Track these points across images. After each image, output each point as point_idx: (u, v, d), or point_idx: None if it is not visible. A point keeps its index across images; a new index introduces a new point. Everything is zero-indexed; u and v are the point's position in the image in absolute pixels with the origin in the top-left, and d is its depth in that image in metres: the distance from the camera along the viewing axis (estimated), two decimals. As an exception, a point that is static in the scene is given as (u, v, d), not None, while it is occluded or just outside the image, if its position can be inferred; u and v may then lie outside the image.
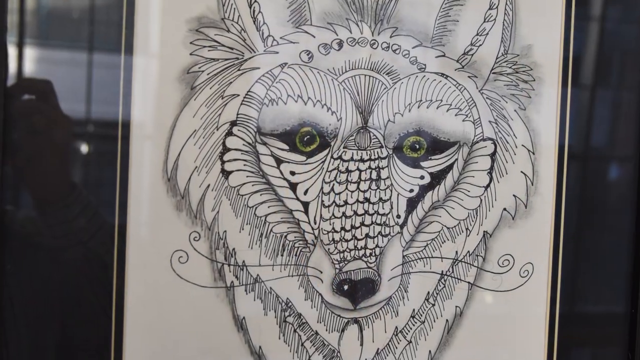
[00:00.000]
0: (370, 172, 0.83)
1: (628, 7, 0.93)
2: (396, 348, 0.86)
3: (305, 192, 0.82)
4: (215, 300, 0.81)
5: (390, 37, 0.83)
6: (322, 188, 0.82)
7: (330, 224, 0.83)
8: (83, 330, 0.79)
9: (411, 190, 0.85)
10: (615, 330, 0.93)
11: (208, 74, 0.78)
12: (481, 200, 0.87)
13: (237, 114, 0.80)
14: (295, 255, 0.82)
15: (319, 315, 0.84)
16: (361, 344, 0.85)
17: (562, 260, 0.90)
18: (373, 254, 0.84)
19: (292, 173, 0.82)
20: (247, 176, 0.81)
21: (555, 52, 0.88)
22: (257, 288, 0.82)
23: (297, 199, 0.82)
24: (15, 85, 0.76)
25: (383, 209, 0.84)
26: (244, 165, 0.80)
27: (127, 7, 0.76)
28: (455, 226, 0.87)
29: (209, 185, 0.80)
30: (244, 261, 0.81)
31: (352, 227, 0.83)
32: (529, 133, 0.88)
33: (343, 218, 0.83)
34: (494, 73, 0.86)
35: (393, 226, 0.84)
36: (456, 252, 0.87)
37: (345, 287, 0.83)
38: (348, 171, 0.83)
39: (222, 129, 0.79)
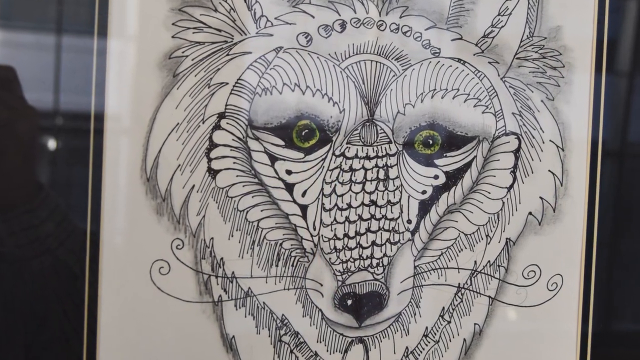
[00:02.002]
0: (377, 171, 0.83)
1: (670, -16, 0.94)
2: (407, 371, 0.87)
3: (303, 194, 0.82)
4: (201, 316, 0.81)
5: (400, 17, 0.82)
6: (322, 189, 0.82)
7: (331, 230, 0.82)
8: (51, 351, 0.79)
9: (424, 192, 0.85)
10: (656, 351, 0.95)
11: (193, 60, 0.78)
12: (503, 203, 0.87)
13: (226, 105, 0.79)
14: (292, 265, 0.82)
15: (319, 334, 0.84)
16: (367, 367, 0.86)
17: (596, 271, 0.90)
18: (380, 264, 0.83)
19: (289, 172, 0.81)
20: (237, 176, 0.80)
21: (588, 34, 0.88)
22: (248, 303, 0.82)
23: (294, 201, 0.82)
24: (-28, 72, 0.77)
25: (392, 213, 0.83)
26: (234, 163, 0.80)
27: (100, -17, 0.78)
28: (473, 233, 0.87)
29: (193, 186, 0.79)
30: (233, 272, 0.81)
31: (357, 233, 0.83)
32: (558, 127, 0.88)
33: (346, 223, 0.82)
34: (517, 58, 0.86)
35: (403, 232, 0.84)
36: (475, 262, 0.87)
37: (349, 301, 0.83)
38: (352, 170, 0.82)
39: (208, 122, 0.79)
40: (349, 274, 0.82)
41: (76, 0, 0.78)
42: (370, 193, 0.82)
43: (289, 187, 0.81)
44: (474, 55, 0.84)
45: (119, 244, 0.78)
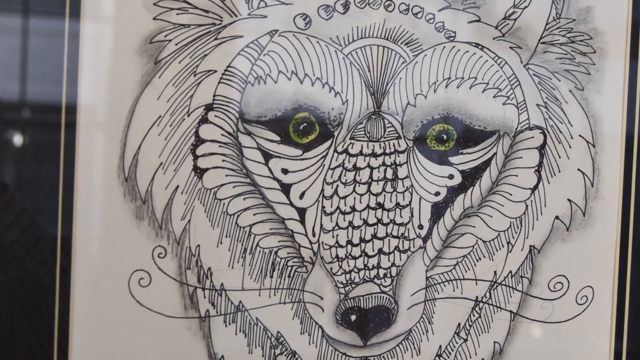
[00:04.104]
0: (385, 170, 0.82)
1: None
2: (418, 395, 0.86)
3: (301, 196, 0.81)
4: (186, 333, 0.80)
5: (411, -4, 0.82)
6: (322, 190, 0.81)
7: (333, 237, 0.82)
8: (16, 373, 0.78)
9: (437, 194, 0.84)
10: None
11: (177, 44, 0.78)
12: (527, 206, 0.87)
13: (214, 96, 0.79)
14: (289, 276, 0.82)
15: (319, 353, 0.83)
16: (373, 390, 0.84)
17: (630, 283, 0.90)
18: (388, 275, 0.83)
19: (285, 171, 0.81)
20: (226, 175, 0.79)
21: (622, 16, 0.88)
22: (239, 319, 0.81)
23: (291, 204, 0.81)
24: None
25: (401, 217, 0.83)
26: (223, 161, 0.79)
27: (72, -42, 0.77)
28: (493, 239, 0.87)
29: (177, 187, 0.79)
30: (222, 284, 0.80)
31: (362, 240, 0.82)
32: (588, 120, 0.88)
33: (350, 229, 0.82)
34: (543, 43, 0.86)
35: (414, 239, 0.84)
36: (494, 272, 0.87)
37: (353, 317, 0.82)
38: (356, 169, 0.82)
39: (194, 114, 0.78)
40: (353, 286, 0.82)
41: (45, -22, 0.77)
42: (376, 195, 0.82)
43: (285, 188, 0.81)
44: (494, 39, 0.84)
45: (94, 252, 0.78)
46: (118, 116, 0.77)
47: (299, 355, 0.82)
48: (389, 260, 0.82)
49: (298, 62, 0.79)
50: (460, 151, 0.84)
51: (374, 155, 0.81)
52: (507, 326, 0.87)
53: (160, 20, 0.77)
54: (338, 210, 0.81)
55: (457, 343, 0.86)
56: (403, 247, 0.83)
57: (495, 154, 0.85)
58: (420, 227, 0.83)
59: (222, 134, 0.79)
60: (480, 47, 0.84)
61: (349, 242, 0.81)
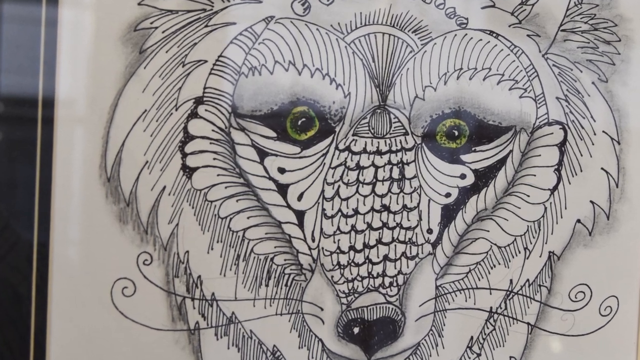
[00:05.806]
0: (391, 170, 0.82)
1: None
2: (427, 415, 0.86)
3: (300, 198, 0.81)
4: (174, 347, 0.80)
5: (419, -21, 0.81)
6: (322, 191, 0.81)
7: (334, 242, 0.82)
8: (-12, 392, 0.78)
9: (448, 195, 0.84)
10: None
11: (163, 32, 0.77)
12: (546, 208, 0.87)
13: (204, 88, 0.78)
14: (286, 285, 0.81)
15: None
16: (378, 409, 0.84)
17: None
18: (394, 284, 0.82)
19: (282, 170, 0.80)
20: (218, 175, 0.79)
21: None
22: (232, 331, 0.81)
23: (288, 206, 0.81)
24: None
25: (408, 220, 0.82)
26: (214, 159, 0.79)
27: (48, -64, 0.76)
28: (509, 245, 0.87)
29: (164, 188, 0.78)
30: (213, 294, 0.80)
31: (365, 246, 0.82)
32: (613, 114, 0.88)
33: (352, 233, 0.82)
34: (563, 31, 0.86)
35: (422, 245, 0.83)
36: (511, 281, 0.87)
37: (356, 330, 0.82)
38: (359, 168, 0.81)
39: (183, 108, 0.78)
40: (356, 295, 0.82)
41: (20, -41, 0.77)
42: (381, 196, 0.82)
43: (282, 189, 0.80)
44: (510, 26, 0.84)
45: (73, 258, 0.77)
46: (99, 110, 0.76)
47: (297, 371, 0.81)
48: (395, 268, 0.82)
49: (296, 52, 0.79)
50: (473, 148, 0.84)
51: (378, 153, 0.81)
52: (524, 339, 0.87)
53: (145, 5, 0.76)
54: (340, 213, 0.81)
55: (469, 358, 0.86)
56: (410, 254, 0.83)
57: (511, 151, 0.85)
58: (430, 231, 0.83)
59: (213, 130, 0.78)
60: (494, 35, 0.83)
61: (352, 247, 0.81)
